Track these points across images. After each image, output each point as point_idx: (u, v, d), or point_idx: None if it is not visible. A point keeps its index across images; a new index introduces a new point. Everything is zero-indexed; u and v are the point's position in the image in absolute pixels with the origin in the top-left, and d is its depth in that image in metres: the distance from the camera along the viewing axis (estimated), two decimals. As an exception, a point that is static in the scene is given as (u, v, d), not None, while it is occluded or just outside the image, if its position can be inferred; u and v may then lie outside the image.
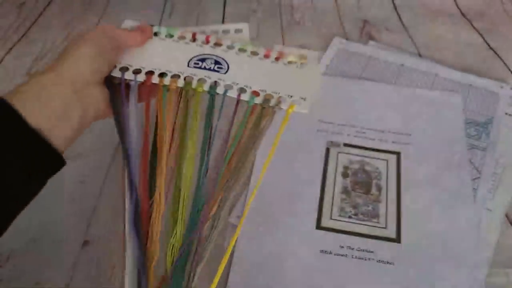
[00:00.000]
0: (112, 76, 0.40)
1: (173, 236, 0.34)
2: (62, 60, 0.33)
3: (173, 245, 0.34)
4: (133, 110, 0.39)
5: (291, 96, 0.40)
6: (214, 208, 0.36)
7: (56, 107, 0.31)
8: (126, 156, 0.36)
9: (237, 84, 0.40)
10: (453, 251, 0.38)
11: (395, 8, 0.68)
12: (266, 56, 0.44)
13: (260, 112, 0.40)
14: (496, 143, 0.46)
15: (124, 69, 0.40)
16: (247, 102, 0.40)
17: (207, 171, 0.38)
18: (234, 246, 0.38)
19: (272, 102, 0.40)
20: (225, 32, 0.48)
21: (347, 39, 0.60)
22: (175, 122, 0.39)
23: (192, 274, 0.33)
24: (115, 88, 0.39)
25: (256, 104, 0.40)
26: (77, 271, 0.37)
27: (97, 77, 0.35)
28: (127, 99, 0.39)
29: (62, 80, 0.32)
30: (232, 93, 0.40)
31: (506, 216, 0.41)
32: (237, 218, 0.40)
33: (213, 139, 0.40)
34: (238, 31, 0.49)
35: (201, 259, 0.33)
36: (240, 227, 0.36)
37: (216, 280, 0.33)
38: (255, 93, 0.40)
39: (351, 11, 0.67)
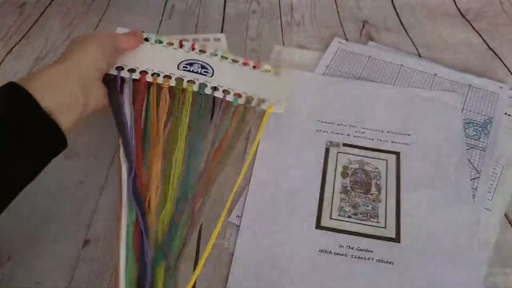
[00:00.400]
0: (110, 74, 0.43)
1: (163, 211, 0.38)
2: (70, 56, 0.37)
3: (163, 219, 0.38)
4: (128, 102, 0.43)
5: (269, 99, 0.46)
6: (204, 186, 0.40)
7: (64, 96, 0.34)
8: (123, 140, 0.41)
9: (222, 86, 0.45)
10: (452, 250, 0.38)
11: (395, 9, 0.68)
12: (245, 64, 0.50)
13: (243, 111, 0.45)
14: (495, 143, 0.46)
15: (120, 68, 0.44)
16: (232, 102, 0.45)
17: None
18: (234, 246, 0.38)
19: (253, 103, 0.45)
20: (205, 40, 0.55)
21: (346, 39, 0.60)
22: (166, 118, 0.43)
23: (186, 240, 0.37)
24: (112, 84, 0.43)
25: (239, 104, 0.45)
26: (78, 270, 0.37)
27: (99, 74, 0.39)
28: (121, 93, 0.43)
29: (70, 74, 0.36)
30: (218, 94, 0.45)
31: (505, 216, 0.41)
32: (237, 217, 0.40)
33: (203, 134, 0.44)
34: (216, 39, 0.56)
35: (194, 228, 0.38)
36: (222, 221, 0.39)
37: (194, 277, 0.36)
38: (238, 95, 0.45)
39: (350, 11, 0.67)
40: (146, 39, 0.49)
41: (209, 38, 0.56)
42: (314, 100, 0.50)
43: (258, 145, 0.45)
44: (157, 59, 0.47)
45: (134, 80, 0.44)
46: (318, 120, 0.48)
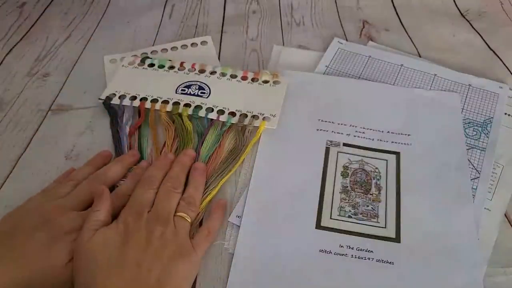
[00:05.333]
0: (112, 103, 0.48)
1: None
2: None
3: None
4: (125, 127, 0.47)
5: (263, 114, 0.47)
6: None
7: None
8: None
9: (217, 106, 0.48)
10: (452, 250, 0.38)
11: (395, 9, 0.68)
12: (244, 78, 0.51)
13: (236, 129, 0.46)
14: (495, 143, 0.46)
15: (122, 97, 0.49)
16: (225, 122, 0.46)
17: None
18: (234, 246, 0.38)
19: (246, 121, 0.46)
20: (194, 45, 0.59)
21: (346, 39, 0.60)
22: (173, 140, 0.46)
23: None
24: (115, 111, 0.48)
25: (232, 123, 0.46)
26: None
27: None
28: (121, 120, 0.47)
29: None
30: (212, 115, 0.47)
31: (505, 216, 0.41)
32: (237, 218, 0.40)
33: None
34: (204, 43, 0.59)
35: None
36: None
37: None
38: (232, 114, 0.47)
39: (350, 11, 0.67)
40: (151, 65, 0.53)
41: (196, 42, 0.59)
42: (314, 100, 0.50)
43: (256, 151, 0.45)
44: (157, 84, 0.50)
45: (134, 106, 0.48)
46: (319, 120, 0.48)
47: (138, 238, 0.33)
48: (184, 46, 0.59)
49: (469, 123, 0.48)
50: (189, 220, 0.36)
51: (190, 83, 0.50)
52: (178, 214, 0.36)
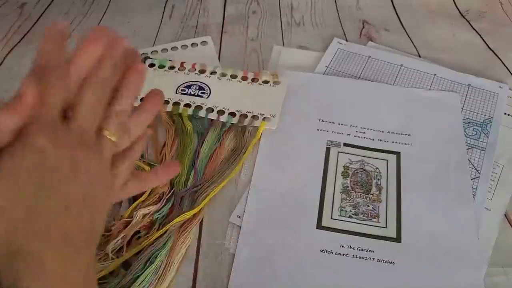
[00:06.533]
0: None
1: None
2: None
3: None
4: None
5: (263, 114, 0.47)
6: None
7: None
8: None
9: (217, 107, 0.48)
10: (452, 250, 0.38)
11: (395, 9, 0.68)
12: (244, 78, 0.51)
13: (236, 129, 0.46)
14: (495, 143, 0.46)
15: None
16: (225, 122, 0.47)
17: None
18: (235, 247, 0.38)
19: (246, 121, 0.46)
20: (194, 45, 0.59)
21: (346, 39, 0.60)
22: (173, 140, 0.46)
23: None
24: None
25: (233, 124, 0.47)
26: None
27: None
28: None
29: None
30: (212, 116, 0.47)
31: (505, 215, 0.41)
32: (238, 218, 0.40)
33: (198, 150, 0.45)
34: (204, 43, 0.59)
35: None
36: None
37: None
38: (232, 114, 0.47)
39: (350, 11, 0.67)
40: (152, 65, 0.53)
41: (196, 42, 0.59)
42: (314, 100, 0.50)
43: (257, 149, 0.45)
44: (158, 84, 0.50)
45: None
46: (319, 120, 0.48)
47: (61, 172, 0.23)
48: (184, 46, 0.59)
49: (469, 123, 0.48)
50: (117, 147, 0.27)
51: (190, 83, 0.50)
52: (106, 131, 0.26)
